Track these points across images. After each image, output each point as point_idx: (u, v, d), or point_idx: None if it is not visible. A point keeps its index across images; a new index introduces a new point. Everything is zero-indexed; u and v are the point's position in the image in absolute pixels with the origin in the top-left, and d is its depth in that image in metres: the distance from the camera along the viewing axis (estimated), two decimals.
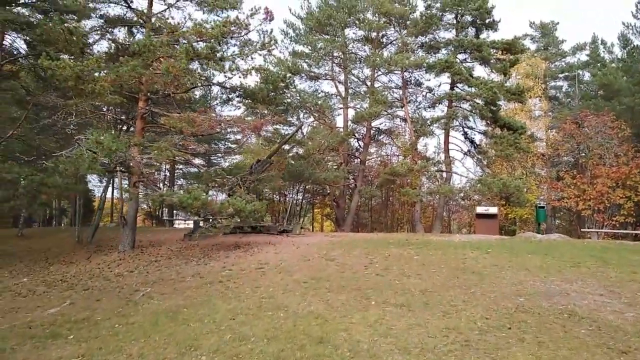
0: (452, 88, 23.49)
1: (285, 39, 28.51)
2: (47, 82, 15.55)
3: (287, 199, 31.13)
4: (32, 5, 15.76)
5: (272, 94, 16.62)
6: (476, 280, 9.04)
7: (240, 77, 14.43)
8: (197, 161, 35.91)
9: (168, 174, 36.76)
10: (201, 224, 18.46)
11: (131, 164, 13.31)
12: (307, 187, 31.83)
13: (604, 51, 34.35)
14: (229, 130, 21.90)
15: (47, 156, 13.94)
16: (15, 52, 17.89)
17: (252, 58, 14.72)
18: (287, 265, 11.85)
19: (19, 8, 15.69)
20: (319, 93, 28.89)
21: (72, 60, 12.79)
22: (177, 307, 8.66)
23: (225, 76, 14.32)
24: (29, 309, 9.64)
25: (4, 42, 18.23)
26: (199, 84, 15.25)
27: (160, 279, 11.42)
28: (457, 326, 6.60)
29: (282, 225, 19.92)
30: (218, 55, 13.92)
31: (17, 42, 19.40)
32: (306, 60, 27.94)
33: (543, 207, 20.24)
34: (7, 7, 15.25)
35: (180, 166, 35.51)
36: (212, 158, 34.72)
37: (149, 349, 6.57)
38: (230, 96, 16.51)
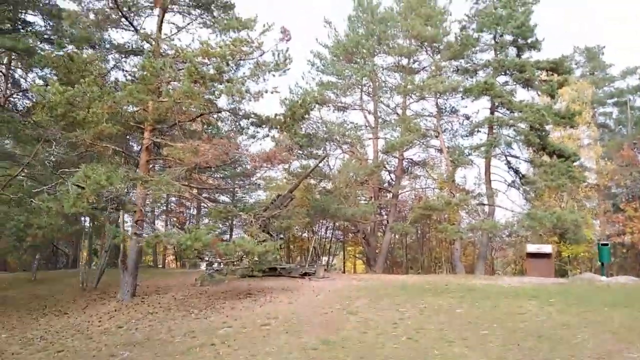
0: (492, 113, 21.25)
1: (312, 69, 27.19)
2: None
3: (318, 236, 29.07)
4: (36, 33, 14.87)
5: (290, 120, 14.91)
6: (546, 350, 6.65)
7: (250, 100, 12.81)
8: (222, 198, 34.70)
9: (196, 212, 35.41)
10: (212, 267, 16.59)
11: (125, 201, 11.69)
12: (336, 223, 29.75)
13: None
14: (246, 164, 20.12)
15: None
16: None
17: (264, 80, 13.13)
18: (298, 320, 9.74)
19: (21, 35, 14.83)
20: (347, 124, 27.13)
21: (62, 86, 11.52)
22: None
23: (234, 99, 12.74)
24: None
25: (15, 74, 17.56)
26: (207, 111, 13.72)
27: (147, 339, 9.49)
28: None
29: (305, 267, 17.80)
30: (225, 77, 12.38)
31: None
32: (333, 90, 26.35)
33: (607, 245, 17.36)
34: (9, 35, 14.38)
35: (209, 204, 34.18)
36: (237, 194, 33.19)
37: None
38: (242, 124, 14.86)
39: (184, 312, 11.84)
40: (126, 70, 18.09)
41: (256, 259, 11.81)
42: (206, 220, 34.73)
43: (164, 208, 34.00)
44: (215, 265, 15.79)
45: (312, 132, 25.46)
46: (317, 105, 26.32)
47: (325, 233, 32.42)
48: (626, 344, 6.71)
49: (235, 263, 12.50)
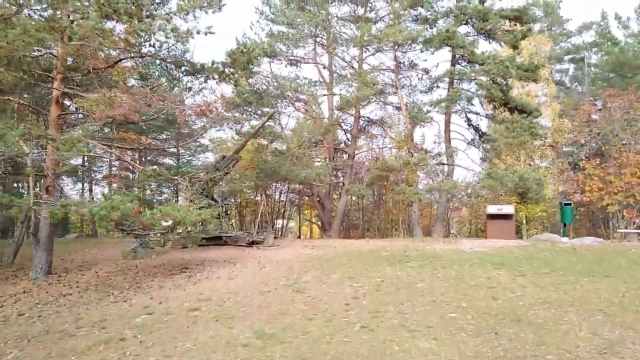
0: (453, 66, 19.86)
1: (261, 18, 24.79)
2: None
3: (265, 201, 27.40)
4: None
5: (230, 70, 12.91)
6: (532, 341, 5.38)
7: (179, 43, 10.70)
8: (168, 162, 32.06)
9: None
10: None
11: (22, 163, 9.58)
12: (290, 186, 28.17)
13: (618, 26, 30.87)
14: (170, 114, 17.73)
15: None
16: None
17: (195, 17, 11.00)
18: (234, 302, 8.19)
19: None
20: (300, 80, 25.08)
21: None
22: None
23: (158, 41, 10.58)
24: None
25: None
26: (128, 55, 11.48)
27: (46, 331, 7.68)
28: None
29: (253, 235, 16.23)
30: (146, 11, 10.19)
31: None
32: (285, 42, 24.13)
33: (570, 204, 16.70)
34: None
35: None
36: (182, 157, 30.82)
37: None
38: (173, 73, 12.67)
39: (102, 293, 10.04)
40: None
41: (190, 228, 10.02)
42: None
43: (106, 172, 31.26)
44: (152, 234, 13.93)
45: (262, 89, 23.36)
46: (267, 59, 24.23)
47: (280, 197, 30.84)
48: (625, 329, 5.55)
49: (164, 234, 10.68)
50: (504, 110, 20.22)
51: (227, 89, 30.99)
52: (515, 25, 20.15)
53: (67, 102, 11.56)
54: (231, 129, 26.09)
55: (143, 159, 29.44)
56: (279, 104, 24.34)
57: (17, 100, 11.91)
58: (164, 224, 10.16)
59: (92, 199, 8.92)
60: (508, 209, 16.76)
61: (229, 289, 9.34)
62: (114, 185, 30.97)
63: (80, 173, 30.89)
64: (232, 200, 28.79)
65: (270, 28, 24.09)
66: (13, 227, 22.72)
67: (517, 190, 17.28)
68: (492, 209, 16.90)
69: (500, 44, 20.67)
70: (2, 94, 11.83)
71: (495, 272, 9.28)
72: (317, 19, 22.04)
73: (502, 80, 18.77)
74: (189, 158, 31.37)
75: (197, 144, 31.14)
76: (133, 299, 9.34)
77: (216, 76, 12.91)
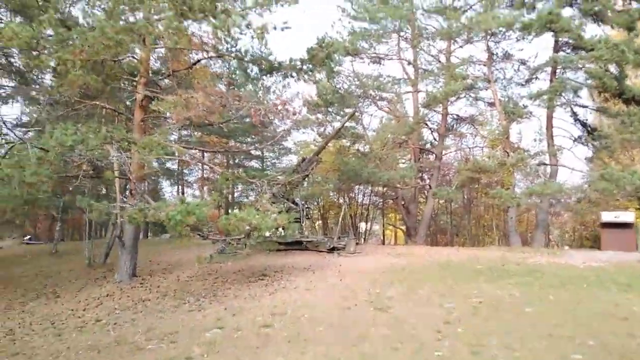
0: (556, 52, 17.62)
1: (342, 16, 24.00)
2: None
3: (347, 205, 26.56)
4: None
5: (308, 66, 12.26)
6: None
7: (254, 38, 10.20)
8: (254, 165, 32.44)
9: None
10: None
11: (101, 166, 9.57)
12: (375, 189, 27.08)
13: None
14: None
15: None
16: None
17: (270, 12, 10.45)
18: (309, 319, 7.39)
19: None
20: (383, 78, 23.93)
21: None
22: None
23: (232, 38, 10.14)
24: None
25: None
26: (205, 55, 11.23)
27: (117, 342, 7.41)
28: None
29: (333, 241, 15.45)
30: (219, 7, 9.79)
31: None
32: (367, 39, 23.09)
33: None
34: None
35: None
36: (266, 160, 31.00)
37: None
38: (251, 72, 12.27)
39: (179, 300, 9.77)
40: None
41: (266, 234, 9.44)
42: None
43: (199, 175, 32.34)
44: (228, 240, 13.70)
45: (343, 88, 22.60)
46: (349, 58, 23.44)
47: (363, 199, 29.88)
48: None
49: (240, 240, 10.21)
50: (618, 102, 17.61)
51: (309, 90, 30.65)
52: (630, 4, 17.46)
53: (151, 107, 11.50)
54: (313, 131, 25.69)
55: (231, 162, 30.06)
56: (361, 104, 23.40)
57: (103, 105, 12.13)
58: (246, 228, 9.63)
59: (183, 202, 8.55)
60: (627, 217, 14.42)
61: (306, 302, 8.58)
62: (205, 188, 32.06)
63: (175, 176, 32.43)
64: (315, 203, 28.41)
65: (352, 25, 23.12)
66: (107, 229, 24.06)
67: (637, 195, 14.81)
68: (607, 217, 14.63)
69: (612, 27, 18.00)
70: (89, 99, 12.10)
71: (623, 297, 7.60)
72: (401, 12, 20.80)
73: (617, 67, 16.27)
74: (274, 161, 31.48)
75: (281, 146, 31.26)
76: (207, 308, 8.91)
77: (294, 74, 12.33)
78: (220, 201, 24.32)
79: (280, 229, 16.85)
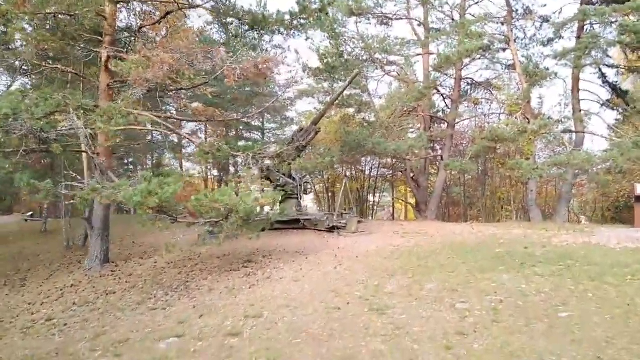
0: (586, 4, 15.53)
1: None
2: None
3: (348, 179, 24.92)
4: None
5: (299, 21, 10.53)
6: None
7: None
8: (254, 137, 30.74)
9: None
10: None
11: (50, 139, 8.10)
12: (383, 160, 25.28)
13: None
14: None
15: None
16: None
17: None
18: (288, 324, 5.95)
19: None
20: (391, 40, 21.85)
21: None
22: None
23: None
24: None
25: None
26: (175, 7, 9.51)
27: (56, 352, 6.07)
28: None
29: (334, 220, 13.95)
30: None
31: None
32: None
33: None
34: None
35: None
36: (268, 131, 29.32)
37: None
38: (232, 29, 10.55)
39: (144, 295, 8.41)
40: None
41: (243, 216, 7.96)
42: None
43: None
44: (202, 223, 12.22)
45: (348, 52, 20.72)
46: (353, 18, 21.44)
47: (371, 172, 28.16)
48: None
49: (216, 224, 8.74)
50: None
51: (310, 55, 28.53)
52: None
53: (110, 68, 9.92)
54: (321, 102, 23.85)
55: (229, 134, 28.47)
56: (367, 69, 21.49)
57: (65, 68, 10.57)
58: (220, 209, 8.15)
59: (146, 179, 7.03)
60: None
61: (289, 299, 7.14)
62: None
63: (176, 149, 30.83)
64: (319, 177, 26.84)
65: None
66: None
67: None
68: None
69: None
70: (48, 61, 10.57)
71: None
72: None
73: None
74: (277, 132, 29.78)
75: (283, 117, 29.56)
76: (174, 305, 7.54)
77: (282, 29, 10.61)
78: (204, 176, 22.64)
79: (267, 209, 15.55)
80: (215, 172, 30.85)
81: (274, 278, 8.62)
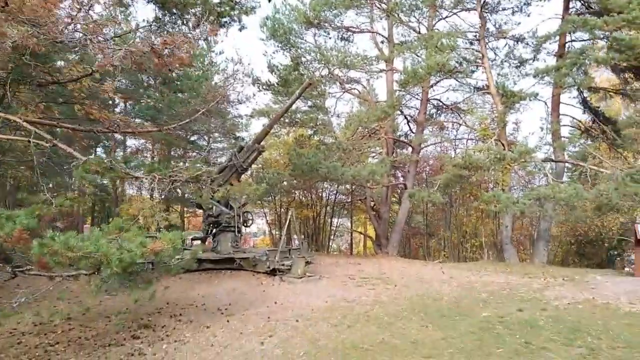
0: (567, 13, 13.80)
1: None
2: None
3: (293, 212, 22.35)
4: None
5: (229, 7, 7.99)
6: None
7: None
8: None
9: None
10: None
11: None
12: (340, 187, 22.73)
13: None
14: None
15: None
16: None
17: None
18: None
19: None
20: (351, 54, 19.61)
21: None
22: None
23: None
24: None
25: None
26: None
27: None
28: None
29: (274, 260, 11.16)
30: None
31: None
32: (333, 5, 18.69)
33: None
34: None
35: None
36: (212, 151, 26.35)
37: None
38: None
39: None
40: None
41: (116, 269, 5.12)
42: None
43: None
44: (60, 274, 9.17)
45: (302, 62, 18.41)
46: (312, 30, 19.19)
47: (328, 198, 25.48)
48: None
49: (81, 276, 5.86)
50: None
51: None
52: None
53: None
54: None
55: (170, 153, 25.34)
56: (325, 84, 19.17)
57: None
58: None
59: None
60: None
61: None
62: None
63: None
64: (270, 202, 23.98)
65: None
66: None
67: None
68: None
69: None
70: None
71: None
72: None
73: None
74: (222, 152, 26.78)
75: (233, 136, 26.65)
76: None
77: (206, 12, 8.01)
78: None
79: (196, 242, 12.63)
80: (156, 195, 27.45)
81: (169, 355, 5.75)
